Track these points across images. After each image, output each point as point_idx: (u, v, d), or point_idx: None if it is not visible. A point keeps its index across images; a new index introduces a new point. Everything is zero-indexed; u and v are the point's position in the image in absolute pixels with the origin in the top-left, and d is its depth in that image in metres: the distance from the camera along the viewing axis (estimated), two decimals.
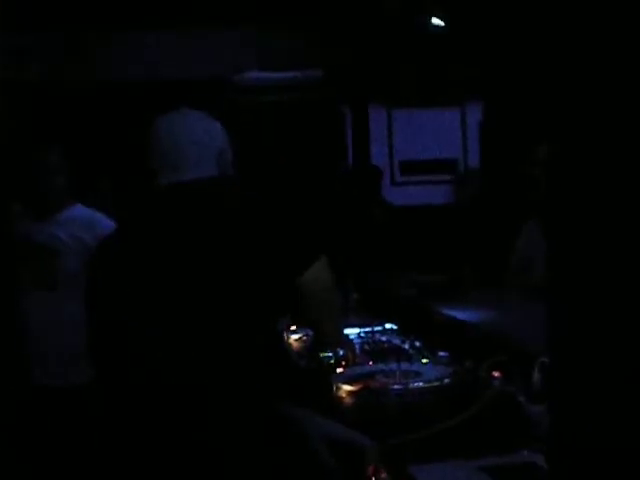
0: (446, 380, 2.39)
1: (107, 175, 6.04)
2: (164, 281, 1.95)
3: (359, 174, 6.62)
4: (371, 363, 2.65)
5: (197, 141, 2.12)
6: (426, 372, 2.49)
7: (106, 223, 3.73)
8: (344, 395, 2.38)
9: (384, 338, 2.98)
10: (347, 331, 3.05)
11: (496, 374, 2.33)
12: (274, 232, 2.05)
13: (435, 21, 6.70)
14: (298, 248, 2.10)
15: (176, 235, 2.01)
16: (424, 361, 2.65)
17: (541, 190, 4.16)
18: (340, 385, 2.40)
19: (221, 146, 2.18)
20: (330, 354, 2.79)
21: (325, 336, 2.48)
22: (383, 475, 1.93)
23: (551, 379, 1.11)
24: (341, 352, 2.69)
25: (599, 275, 0.95)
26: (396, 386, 2.37)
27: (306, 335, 3.14)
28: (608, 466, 0.96)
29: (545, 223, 1.11)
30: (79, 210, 3.80)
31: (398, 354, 2.71)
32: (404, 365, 2.55)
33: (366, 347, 2.83)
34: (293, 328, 3.22)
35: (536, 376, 2.17)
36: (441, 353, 2.69)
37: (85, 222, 3.74)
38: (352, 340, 2.95)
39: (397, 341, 2.91)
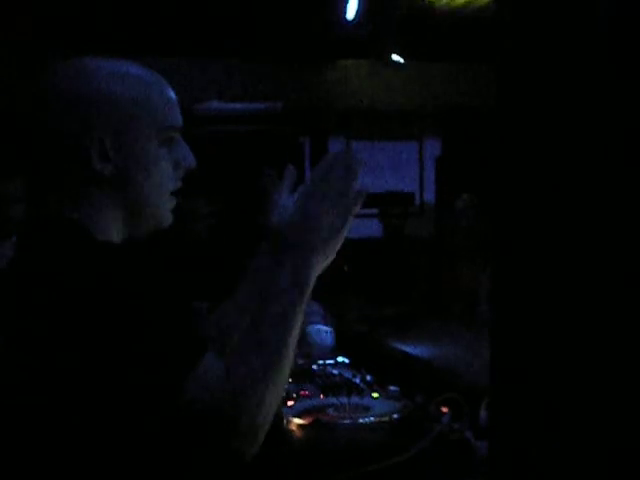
0: (395, 415, 2.41)
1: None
2: None
3: None
4: (322, 396, 2.67)
5: None
6: (376, 407, 2.50)
7: None
8: (294, 428, 2.39)
9: (335, 371, 2.99)
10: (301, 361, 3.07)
11: (445, 410, 2.36)
12: None
13: (395, 58, 6.80)
14: None
15: None
16: (374, 395, 2.67)
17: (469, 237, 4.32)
18: (290, 418, 2.41)
19: None
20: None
21: None
22: None
23: (492, 413, 1.14)
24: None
25: (539, 313, 0.99)
26: (346, 420, 2.39)
27: None
28: None
29: (491, 263, 1.15)
30: None
31: (349, 388, 2.73)
32: (354, 399, 2.57)
33: (317, 380, 2.84)
34: None
35: (483, 413, 2.20)
36: (392, 387, 2.71)
37: None
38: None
39: (348, 375, 2.92)
